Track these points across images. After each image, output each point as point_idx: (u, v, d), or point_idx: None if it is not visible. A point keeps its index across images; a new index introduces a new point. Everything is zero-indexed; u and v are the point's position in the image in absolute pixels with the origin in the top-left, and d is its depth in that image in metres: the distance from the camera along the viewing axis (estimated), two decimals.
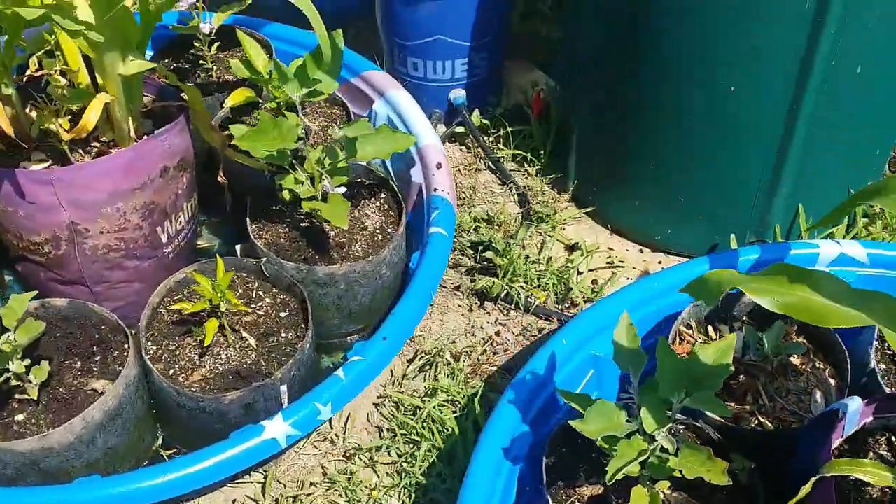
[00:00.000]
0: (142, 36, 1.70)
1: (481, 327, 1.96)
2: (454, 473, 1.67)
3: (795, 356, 1.62)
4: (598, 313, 1.68)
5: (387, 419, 1.78)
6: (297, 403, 1.56)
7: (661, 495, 1.34)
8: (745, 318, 1.71)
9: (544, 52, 2.56)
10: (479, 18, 2.29)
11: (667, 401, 1.26)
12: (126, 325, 1.68)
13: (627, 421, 1.30)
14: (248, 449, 1.50)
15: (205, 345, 1.62)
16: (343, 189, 1.78)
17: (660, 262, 2.10)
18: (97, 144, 1.81)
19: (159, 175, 1.78)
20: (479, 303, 2.00)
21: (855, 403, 1.34)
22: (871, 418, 1.37)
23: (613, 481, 1.24)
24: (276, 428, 1.52)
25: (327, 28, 1.66)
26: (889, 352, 1.62)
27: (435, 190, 1.94)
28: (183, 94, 1.84)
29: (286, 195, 1.83)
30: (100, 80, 1.70)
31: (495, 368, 1.87)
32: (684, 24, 1.77)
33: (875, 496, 1.33)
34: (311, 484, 1.68)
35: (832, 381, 1.58)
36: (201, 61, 2.20)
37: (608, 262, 2.10)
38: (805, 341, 1.65)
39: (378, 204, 1.93)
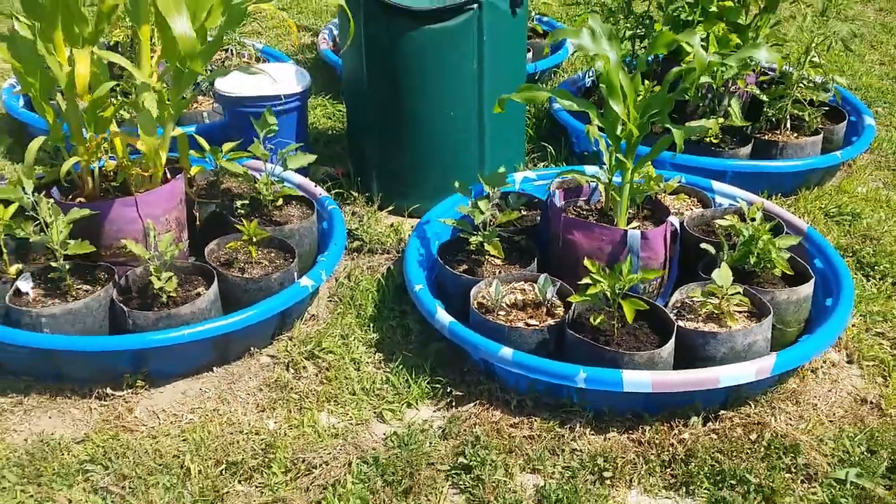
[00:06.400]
0: None
1: (363, 266, 3.53)
2: (385, 300, 3.21)
3: (524, 209, 3.42)
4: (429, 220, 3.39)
5: (339, 302, 3.27)
6: (310, 273, 3.04)
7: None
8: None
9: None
10: (299, 128, 4.00)
11: (489, 195, 3.01)
12: None
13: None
14: (296, 291, 2.95)
15: (253, 259, 3.04)
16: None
17: None
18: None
19: (179, 202, 3.19)
20: (356, 255, 3.58)
21: (557, 189, 3.17)
22: (564, 201, 3.20)
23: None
24: (305, 282, 2.99)
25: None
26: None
27: (321, 193, 3.54)
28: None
29: (241, 210, 3.33)
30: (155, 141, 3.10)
31: (386, 270, 3.45)
32: (429, 104, 3.64)
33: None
34: (317, 332, 3.10)
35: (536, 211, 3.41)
36: None
37: (411, 228, 3.79)
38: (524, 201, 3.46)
39: (294, 202, 3.46)
